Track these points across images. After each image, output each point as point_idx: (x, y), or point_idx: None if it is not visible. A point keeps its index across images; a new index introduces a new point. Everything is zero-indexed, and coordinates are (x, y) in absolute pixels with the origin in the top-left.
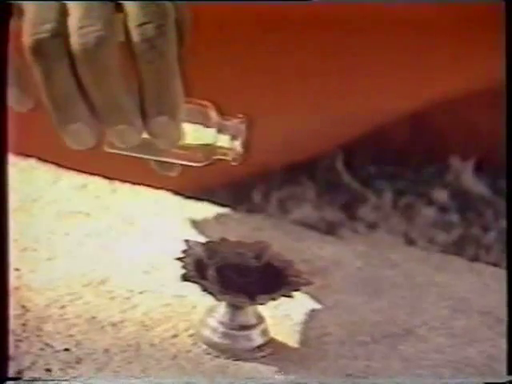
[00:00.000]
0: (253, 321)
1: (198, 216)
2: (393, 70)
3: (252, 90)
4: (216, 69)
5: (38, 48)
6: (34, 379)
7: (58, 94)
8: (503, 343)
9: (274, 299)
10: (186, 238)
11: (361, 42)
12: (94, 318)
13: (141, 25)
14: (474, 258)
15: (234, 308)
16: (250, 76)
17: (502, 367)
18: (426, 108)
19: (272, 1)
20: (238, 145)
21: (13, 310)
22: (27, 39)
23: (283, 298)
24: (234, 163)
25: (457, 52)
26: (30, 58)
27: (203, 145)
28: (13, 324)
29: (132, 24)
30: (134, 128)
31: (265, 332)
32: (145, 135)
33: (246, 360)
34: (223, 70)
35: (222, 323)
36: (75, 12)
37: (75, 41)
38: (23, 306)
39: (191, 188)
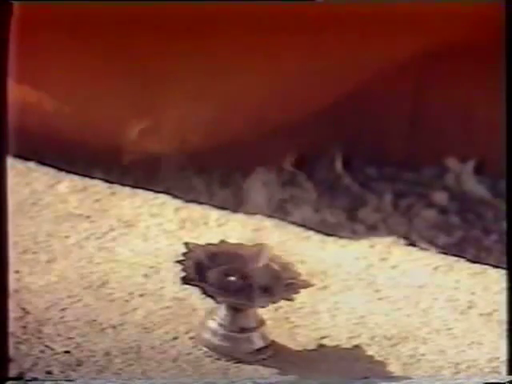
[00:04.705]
0: (253, 323)
1: (198, 219)
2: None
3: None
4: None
5: None
6: (35, 379)
7: None
8: (503, 344)
9: (274, 302)
10: (186, 241)
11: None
12: (94, 320)
13: None
14: (475, 260)
15: (234, 311)
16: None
17: (503, 368)
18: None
19: (273, 0)
20: None
21: (13, 313)
22: None
23: (283, 301)
24: None
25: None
26: None
27: None
28: (13, 326)
29: None
30: None
31: (265, 334)
32: None
33: (246, 362)
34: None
35: (222, 326)
36: None
37: None
38: (23, 309)
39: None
